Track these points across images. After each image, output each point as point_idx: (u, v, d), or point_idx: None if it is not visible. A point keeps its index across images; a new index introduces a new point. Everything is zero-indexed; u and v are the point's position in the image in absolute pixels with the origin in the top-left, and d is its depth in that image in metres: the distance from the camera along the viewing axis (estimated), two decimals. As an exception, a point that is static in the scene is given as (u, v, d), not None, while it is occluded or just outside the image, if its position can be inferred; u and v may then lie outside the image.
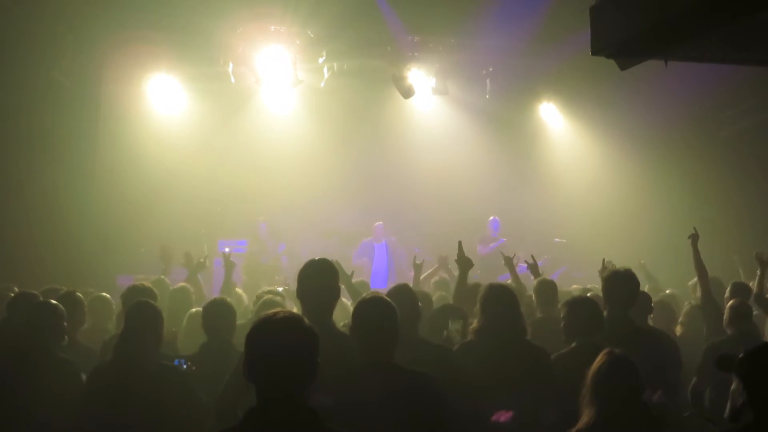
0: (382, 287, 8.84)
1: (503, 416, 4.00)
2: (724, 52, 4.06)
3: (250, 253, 11.33)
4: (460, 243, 6.03)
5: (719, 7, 3.21)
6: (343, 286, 6.24)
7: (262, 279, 9.97)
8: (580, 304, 4.73)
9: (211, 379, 4.44)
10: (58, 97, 9.75)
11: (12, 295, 5.79)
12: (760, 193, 10.91)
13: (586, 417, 3.52)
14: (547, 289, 6.17)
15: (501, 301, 4.54)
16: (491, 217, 12.39)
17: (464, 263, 5.89)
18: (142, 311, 4.43)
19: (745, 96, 11.32)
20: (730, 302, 5.77)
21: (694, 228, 6.68)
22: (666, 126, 11.80)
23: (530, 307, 5.93)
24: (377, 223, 12.22)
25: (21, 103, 9.33)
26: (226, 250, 7.71)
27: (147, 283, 5.92)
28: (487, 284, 4.88)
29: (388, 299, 3.61)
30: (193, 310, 5.80)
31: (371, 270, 11.75)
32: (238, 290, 7.40)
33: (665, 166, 11.98)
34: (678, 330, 6.42)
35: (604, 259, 6.67)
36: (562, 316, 4.71)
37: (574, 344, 4.53)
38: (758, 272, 6.74)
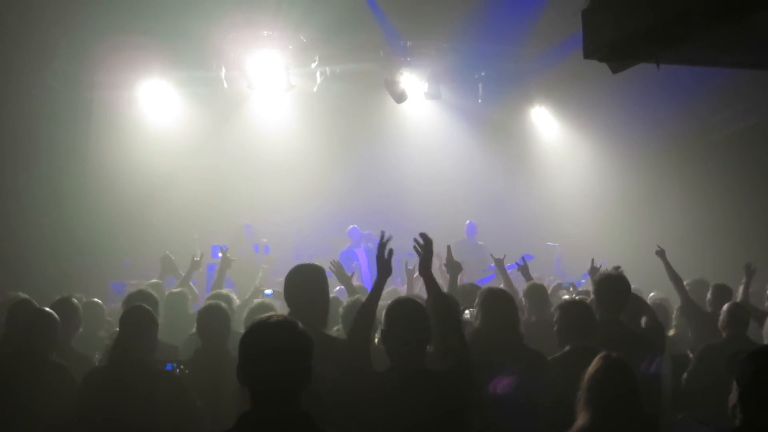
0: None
1: (500, 385, 3.98)
2: (715, 55, 4.07)
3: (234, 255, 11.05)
4: (448, 247, 5.97)
5: (711, 10, 3.22)
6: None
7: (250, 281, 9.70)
8: (573, 307, 4.73)
9: (205, 384, 4.43)
10: (51, 101, 9.72)
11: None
12: (750, 196, 10.95)
13: (581, 420, 3.51)
14: (538, 292, 6.18)
15: (499, 304, 4.52)
16: (468, 221, 12.20)
17: (453, 267, 5.86)
18: (136, 315, 4.42)
19: (735, 99, 11.37)
20: (727, 306, 5.80)
21: (658, 245, 6.95)
22: (657, 129, 11.85)
23: (521, 310, 5.93)
24: (351, 227, 11.91)
25: (13, 107, 9.28)
26: (222, 250, 7.65)
27: (149, 289, 5.90)
28: (485, 288, 4.87)
29: (418, 302, 3.61)
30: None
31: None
32: (225, 291, 7.31)
33: (656, 169, 12.03)
34: (671, 331, 6.53)
35: (593, 260, 6.74)
36: (555, 319, 4.71)
37: (567, 348, 4.52)
38: (744, 280, 7.04)
